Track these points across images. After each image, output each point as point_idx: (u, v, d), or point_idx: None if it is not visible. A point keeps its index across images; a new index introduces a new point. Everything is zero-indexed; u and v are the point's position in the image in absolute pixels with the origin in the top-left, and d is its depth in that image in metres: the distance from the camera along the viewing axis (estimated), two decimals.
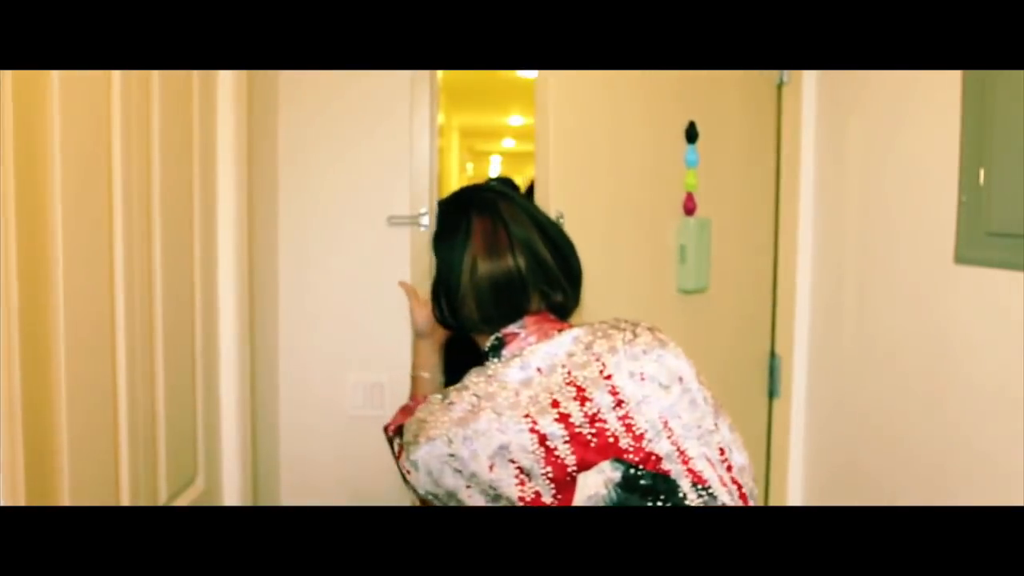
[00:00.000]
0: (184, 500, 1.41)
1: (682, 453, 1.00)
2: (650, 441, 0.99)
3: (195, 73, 1.45)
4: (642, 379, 1.01)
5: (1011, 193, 1.11)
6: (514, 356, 1.05)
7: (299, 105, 2.08)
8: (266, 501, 1.91)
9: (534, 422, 0.99)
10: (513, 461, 0.99)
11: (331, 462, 2.11)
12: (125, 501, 1.19)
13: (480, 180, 3.39)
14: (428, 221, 2.10)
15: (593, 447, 0.99)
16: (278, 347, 2.09)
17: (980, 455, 1.25)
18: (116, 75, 1.14)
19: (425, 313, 1.28)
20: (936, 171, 1.34)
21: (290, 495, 2.10)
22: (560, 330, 1.07)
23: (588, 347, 1.03)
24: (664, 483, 0.99)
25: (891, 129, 1.55)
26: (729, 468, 1.02)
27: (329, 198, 2.10)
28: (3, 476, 0.86)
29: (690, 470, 1.00)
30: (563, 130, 1.78)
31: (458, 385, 1.06)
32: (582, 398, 0.99)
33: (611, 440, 0.99)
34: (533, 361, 1.03)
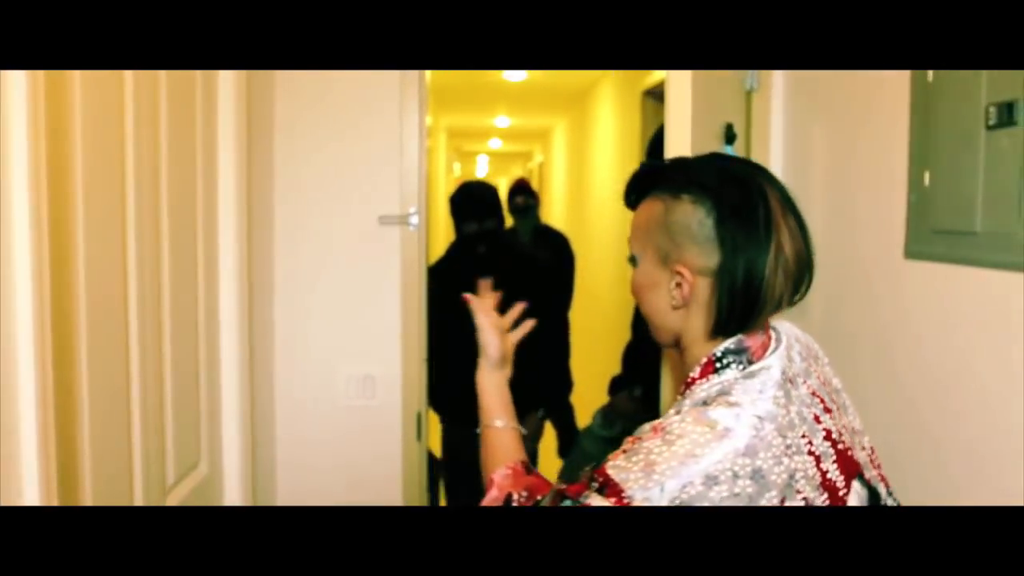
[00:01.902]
0: (189, 484, 1.50)
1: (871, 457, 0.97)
2: (856, 450, 0.94)
3: (198, 73, 1.52)
4: (824, 384, 0.94)
5: (951, 194, 1.21)
6: (767, 365, 0.89)
7: (294, 109, 2.16)
8: (264, 487, 1.99)
9: (810, 442, 0.86)
10: (799, 492, 0.84)
11: (325, 451, 2.19)
12: (138, 484, 1.27)
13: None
14: (417, 221, 2.19)
15: (846, 464, 0.90)
16: (274, 342, 2.17)
17: (929, 439, 1.34)
18: (128, 75, 1.21)
19: (499, 336, 1.07)
20: (889, 173, 1.43)
21: (286, 482, 2.18)
22: (770, 329, 0.95)
23: (801, 353, 0.94)
24: (875, 494, 0.94)
25: (851, 134, 1.65)
26: (879, 465, 0.98)
27: (322, 198, 2.18)
28: (38, 462, 0.93)
29: (880, 475, 0.97)
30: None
31: (720, 401, 0.85)
32: (826, 409, 0.90)
33: (849, 454, 0.91)
34: (787, 369, 0.90)
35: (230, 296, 1.67)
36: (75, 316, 1.06)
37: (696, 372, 0.92)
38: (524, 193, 4.08)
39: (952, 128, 1.20)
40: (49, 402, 0.94)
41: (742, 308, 0.90)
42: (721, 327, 0.92)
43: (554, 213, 8.53)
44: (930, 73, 1.25)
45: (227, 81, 1.65)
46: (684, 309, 0.95)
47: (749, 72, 1.90)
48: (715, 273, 0.91)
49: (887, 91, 1.44)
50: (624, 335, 2.78)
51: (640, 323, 2.68)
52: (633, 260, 1.00)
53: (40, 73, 0.92)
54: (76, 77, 1.05)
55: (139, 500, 1.27)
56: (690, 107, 1.62)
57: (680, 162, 1.01)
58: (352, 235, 2.19)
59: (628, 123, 4.31)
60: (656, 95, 3.91)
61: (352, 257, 2.20)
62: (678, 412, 0.88)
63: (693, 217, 0.92)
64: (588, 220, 5.98)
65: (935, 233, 1.26)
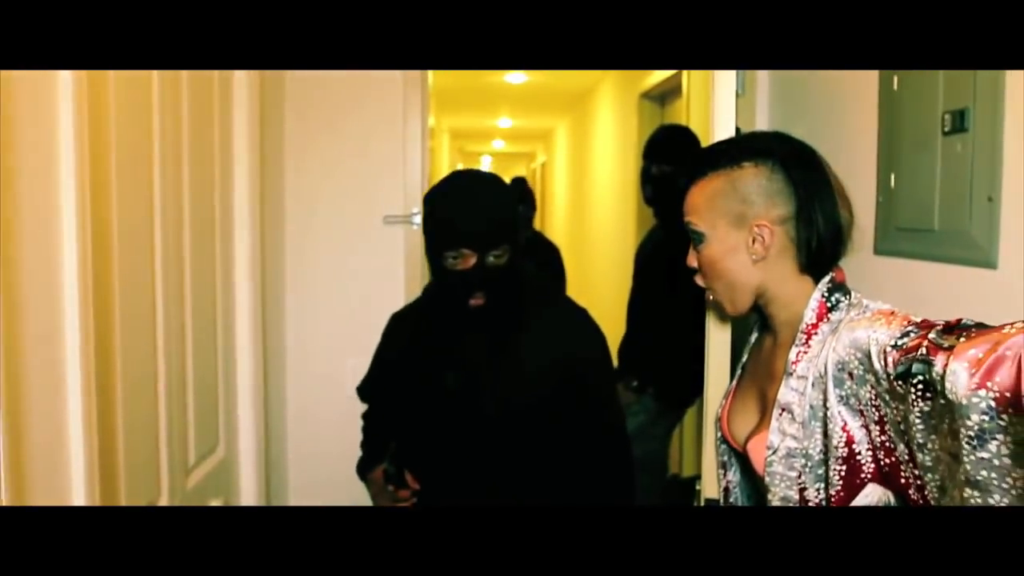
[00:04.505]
0: (208, 465, 1.59)
1: None
2: None
3: (215, 75, 1.61)
4: None
5: (913, 194, 1.30)
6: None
7: (302, 114, 2.26)
8: (275, 470, 2.10)
9: None
10: None
11: (333, 437, 2.28)
12: (164, 466, 1.37)
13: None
14: (420, 220, 2.29)
15: None
16: (286, 334, 2.28)
17: None
18: (155, 75, 1.30)
19: None
20: (861, 174, 1.53)
21: (297, 465, 2.30)
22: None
23: None
24: None
25: (828, 138, 1.75)
26: None
27: (329, 198, 2.29)
28: (83, 446, 1.02)
29: None
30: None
31: (884, 310, 0.97)
32: None
33: None
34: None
35: (244, 292, 1.76)
36: (112, 314, 1.14)
37: (812, 319, 1.03)
38: (523, 202, 3.66)
39: (913, 133, 1.29)
40: (92, 393, 1.04)
41: (831, 240, 1.04)
42: (813, 262, 1.05)
43: (557, 212, 8.63)
44: (895, 80, 1.34)
45: (241, 83, 1.73)
46: (764, 261, 1.07)
47: (736, 77, 1.99)
48: (793, 217, 1.04)
49: (859, 97, 1.53)
50: (620, 329, 2.87)
51: (635, 317, 2.78)
52: (699, 238, 1.10)
53: (83, 73, 1.01)
54: (111, 77, 1.13)
55: (164, 480, 1.37)
56: (734, 104, 1.67)
57: (726, 142, 1.15)
58: (358, 234, 2.30)
59: (626, 124, 4.40)
60: (653, 97, 4.00)
61: (358, 254, 2.30)
62: (805, 359, 1.01)
63: (761, 176, 1.05)
64: (588, 218, 6.08)
65: (900, 231, 1.35)
